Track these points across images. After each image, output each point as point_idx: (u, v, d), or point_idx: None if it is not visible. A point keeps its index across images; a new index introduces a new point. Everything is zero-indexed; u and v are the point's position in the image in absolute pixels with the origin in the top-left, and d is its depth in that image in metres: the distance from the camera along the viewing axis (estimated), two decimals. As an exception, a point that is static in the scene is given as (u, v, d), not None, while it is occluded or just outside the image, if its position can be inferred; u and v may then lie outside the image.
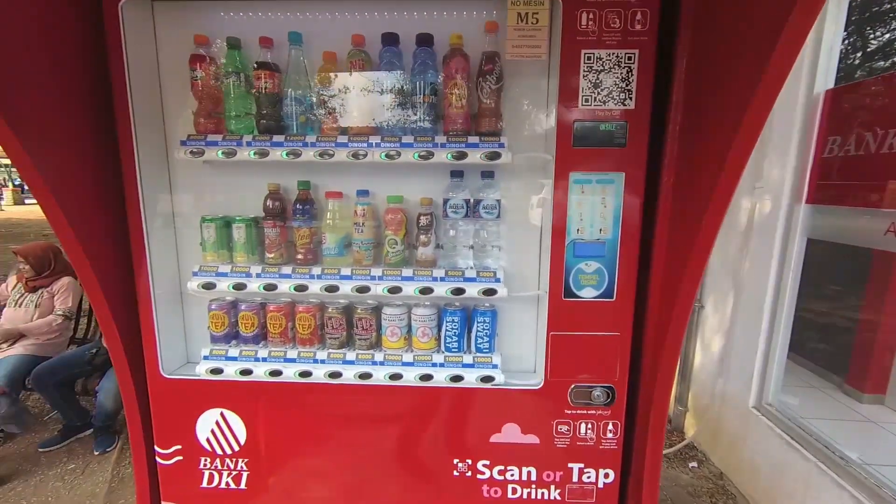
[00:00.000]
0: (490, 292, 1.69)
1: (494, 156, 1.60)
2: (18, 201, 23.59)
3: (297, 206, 1.75)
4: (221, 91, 1.69)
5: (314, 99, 1.69)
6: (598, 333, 1.70)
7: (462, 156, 1.60)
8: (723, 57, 1.34)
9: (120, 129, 1.64)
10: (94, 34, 1.58)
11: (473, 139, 1.62)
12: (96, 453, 3.09)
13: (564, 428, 1.77)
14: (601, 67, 1.52)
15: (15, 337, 3.19)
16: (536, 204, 1.79)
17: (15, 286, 3.37)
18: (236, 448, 1.87)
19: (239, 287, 1.73)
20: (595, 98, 1.54)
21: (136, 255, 1.74)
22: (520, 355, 1.89)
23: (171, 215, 1.86)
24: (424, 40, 1.62)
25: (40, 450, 3.12)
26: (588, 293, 1.67)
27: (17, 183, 25.23)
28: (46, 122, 1.47)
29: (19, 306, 3.27)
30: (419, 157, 1.61)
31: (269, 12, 1.71)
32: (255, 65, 1.65)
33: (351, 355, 1.80)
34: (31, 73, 1.43)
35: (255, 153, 1.64)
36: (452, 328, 1.78)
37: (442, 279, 1.72)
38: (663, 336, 1.59)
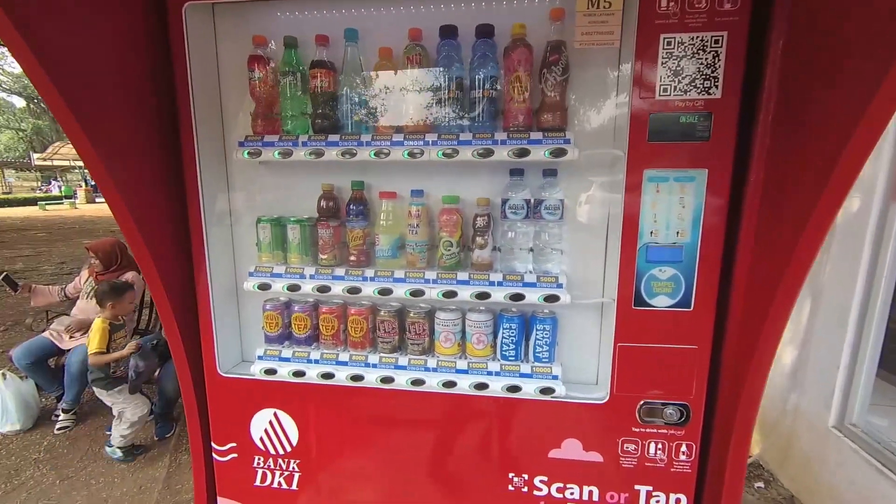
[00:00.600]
0: (552, 299, 1.58)
1: (559, 152, 1.48)
2: (90, 200, 25.69)
3: (351, 206, 1.72)
4: (278, 91, 1.68)
5: (370, 96, 1.65)
6: (673, 346, 1.55)
7: (524, 153, 1.50)
8: (832, 37, 1.17)
9: (182, 132, 1.67)
10: (159, 39, 1.61)
11: (536, 135, 1.52)
12: (156, 439, 3.24)
13: (631, 447, 1.63)
14: (683, 53, 1.37)
15: (87, 327, 3.39)
16: (602, 204, 1.66)
17: (87, 279, 3.59)
18: (289, 449, 1.87)
19: (293, 288, 1.72)
20: (675, 87, 1.39)
21: (196, 253, 1.77)
22: (580, 365, 1.78)
23: (228, 215, 1.89)
24: (484, 32, 1.53)
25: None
26: (661, 301, 1.53)
27: (90, 183, 27.44)
28: (117, 129, 1.50)
29: (91, 298, 3.48)
30: (478, 154, 1.52)
31: (325, 10, 1.68)
32: (311, 63, 1.63)
33: (403, 360, 1.74)
34: (107, 84, 1.47)
35: (310, 153, 1.61)
36: (509, 335, 1.68)
37: (499, 284, 1.63)
38: (750, 351, 1.42)
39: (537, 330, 1.67)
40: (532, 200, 1.62)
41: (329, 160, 1.62)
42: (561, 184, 1.63)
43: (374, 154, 1.58)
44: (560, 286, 1.60)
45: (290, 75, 1.64)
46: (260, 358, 1.83)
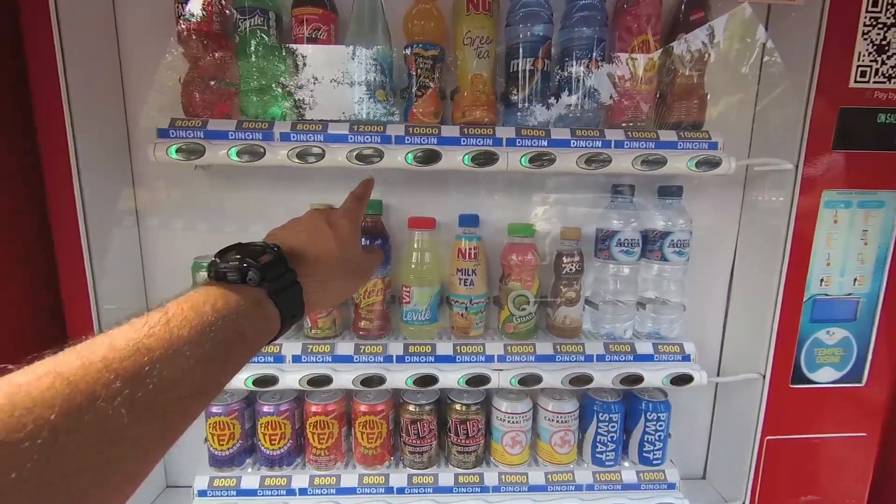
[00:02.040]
0: (681, 381, 1.06)
1: (708, 163, 0.97)
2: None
3: (364, 241, 1.05)
4: (232, 44, 0.97)
5: (399, 62, 1.00)
6: (836, 435, 1.11)
7: (656, 162, 0.96)
8: None
9: (39, 117, 0.89)
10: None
11: (667, 135, 0.99)
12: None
13: (780, 577, 1.17)
14: (894, 19, 0.92)
15: None
16: (727, 237, 1.18)
17: None
18: None
19: (265, 382, 1.02)
20: (877, 70, 0.94)
21: (72, 325, 0.98)
22: (676, 454, 1.27)
23: (137, 256, 1.11)
24: (590, -31, 0.97)
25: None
26: (825, 375, 1.08)
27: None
28: None
29: None
30: (587, 162, 0.95)
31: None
32: (296, -1, 0.95)
33: (446, 478, 1.11)
34: None
35: (299, 153, 0.93)
36: (608, 430, 1.13)
37: (600, 358, 1.07)
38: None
39: (647, 420, 1.14)
40: (654, 232, 1.08)
41: (329, 166, 0.94)
42: (685, 207, 1.11)
43: (415, 158, 0.94)
44: (688, 358, 1.09)
45: (256, 16, 0.94)
46: (202, 494, 1.08)
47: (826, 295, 1.05)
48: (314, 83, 0.99)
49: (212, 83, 0.96)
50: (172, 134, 0.93)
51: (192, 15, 0.92)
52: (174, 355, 0.37)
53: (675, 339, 1.12)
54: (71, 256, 0.95)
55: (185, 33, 0.93)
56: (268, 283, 0.49)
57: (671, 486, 1.14)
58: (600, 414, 1.13)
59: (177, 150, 0.91)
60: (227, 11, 0.95)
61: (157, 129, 0.93)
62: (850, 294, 1.05)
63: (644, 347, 1.09)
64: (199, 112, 0.96)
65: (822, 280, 1.04)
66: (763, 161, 1.03)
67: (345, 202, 0.70)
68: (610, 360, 1.08)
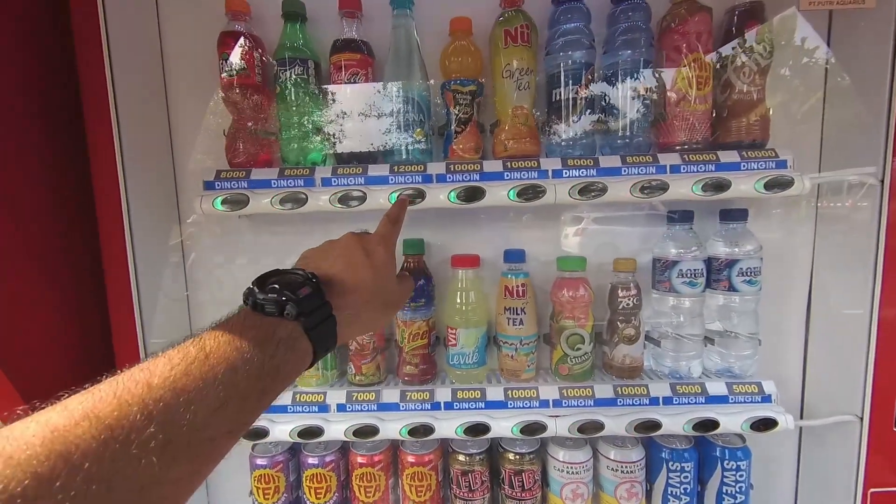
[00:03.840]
0: (765, 425, 0.94)
1: (779, 184, 0.88)
2: None
3: (405, 283, 1.02)
4: (273, 93, 0.98)
5: (435, 100, 0.99)
6: (954, 488, 0.96)
7: (718, 186, 0.88)
8: None
9: (95, 168, 0.93)
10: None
11: (729, 156, 0.91)
12: None
13: None
14: None
15: None
16: (800, 261, 1.07)
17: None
18: None
19: (310, 433, 0.98)
20: (972, 72, 0.84)
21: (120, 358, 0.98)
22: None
23: (184, 305, 1.12)
24: (631, -10, 0.93)
25: None
26: (936, 418, 0.94)
27: None
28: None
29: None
30: (641, 191, 0.89)
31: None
32: (334, 46, 0.95)
33: (501, 535, 1.03)
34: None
35: (340, 198, 0.91)
36: (680, 482, 1.02)
37: (667, 401, 0.98)
38: None
39: (725, 469, 1.02)
40: (719, 260, 0.99)
41: (369, 209, 0.92)
42: (752, 232, 1.02)
43: (458, 196, 0.90)
44: (768, 399, 0.97)
45: (297, 65, 0.95)
46: (247, 551, 1.04)
47: (930, 324, 0.92)
48: (343, 118, 0.98)
49: (254, 132, 0.97)
50: (218, 186, 0.94)
51: (234, 70, 0.94)
52: (209, 395, 0.38)
53: (751, 377, 1.01)
54: (120, 292, 0.96)
55: (226, 86, 0.95)
56: (304, 317, 0.49)
57: (759, 547, 1.01)
58: (670, 463, 1.02)
59: (222, 202, 0.92)
60: (266, 63, 0.97)
61: (204, 182, 0.94)
62: (959, 322, 0.92)
63: (717, 388, 0.98)
64: (242, 161, 0.97)
65: (924, 307, 0.92)
66: (842, 174, 0.93)
67: (380, 226, 0.69)
68: (678, 403, 0.98)
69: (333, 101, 0.98)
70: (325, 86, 0.98)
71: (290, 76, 0.95)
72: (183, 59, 1.04)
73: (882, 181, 0.89)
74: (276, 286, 0.49)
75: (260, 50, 0.96)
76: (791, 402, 1.10)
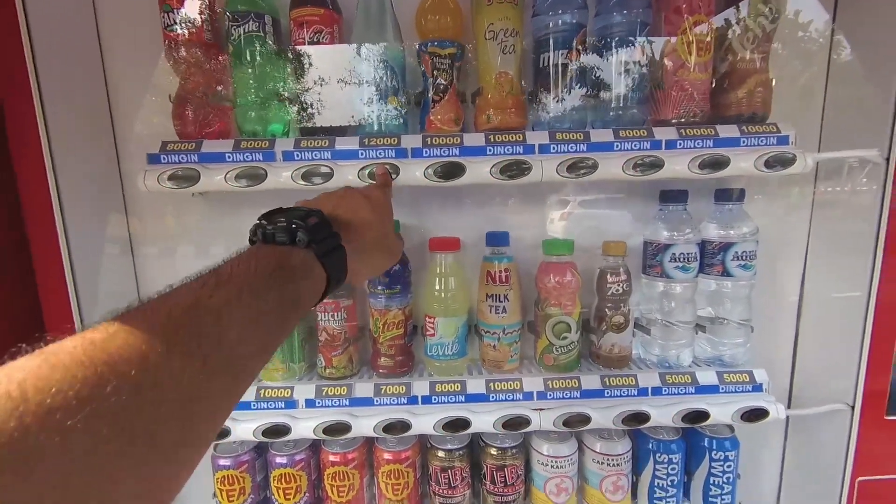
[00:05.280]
0: (755, 416, 0.91)
1: (780, 161, 0.82)
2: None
3: (379, 268, 0.93)
4: (225, 55, 0.86)
5: (410, 65, 0.88)
6: (941, 474, 0.94)
7: (718, 163, 0.82)
8: None
9: (13, 143, 0.80)
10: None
11: (728, 130, 0.84)
12: None
13: None
14: None
15: None
16: (796, 243, 1.03)
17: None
18: None
19: (277, 432, 0.90)
20: None
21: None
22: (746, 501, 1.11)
23: (132, 284, 1.01)
24: (628, -56, 0.84)
25: None
26: (926, 404, 0.92)
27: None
28: None
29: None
30: (635, 168, 0.82)
31: None
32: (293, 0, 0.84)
33: (482, 532, 0.98)
34: None
35: (301, 175, 0.81)
36: (667, 473, 0.98)
37: (656, 391, 0.93)
38: None
39: (713, 460, 0.98)
40: (713, 244, 0.94)
41: (337, 186, 0.82)
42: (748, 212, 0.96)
43: (434, 172, 0.82)
44: (759, 388, 0.93)
45: (251, 20, 0.83)
46: (210, 555, 0.97)
47: (927, 310, 0.89)
48: (321, 85, 0.88)
49: (205, 98, 0.85)
50: (164, 159, 0.83)
51: (181, 24, 0.81)
52: (237, 314, 0.38)
53: (742, 366, 0.97)
54: (55, 288, 0.85)
55: (174, 44, 0.83)
56: (315, 244, 0.49)
57: (745, 537, 0.98)
58: (657, 454, 0.98)
59: (169, 178, 0.81)
60: (217, 18, 0.85)
61: (147, 155, 0.83)
62: (954, 308, 0.89)
63: (707, 377, 0.94)
64: (193, 133, 0.85)
65: (922, 292, 0.88)
66: (847, 154, 0.87)
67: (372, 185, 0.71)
68: (668, 394, 0.93)
69: (296, 63, 0.87)
70: (287, 46, 0.87)
71: (244, 32, 0.83)
72: (120, 15, 0.91)
73: (888, 159, 0.83)
74: (284, 219, 0.50)
75: (208, 3, 0.84)
76: (779, 390, 1.07)
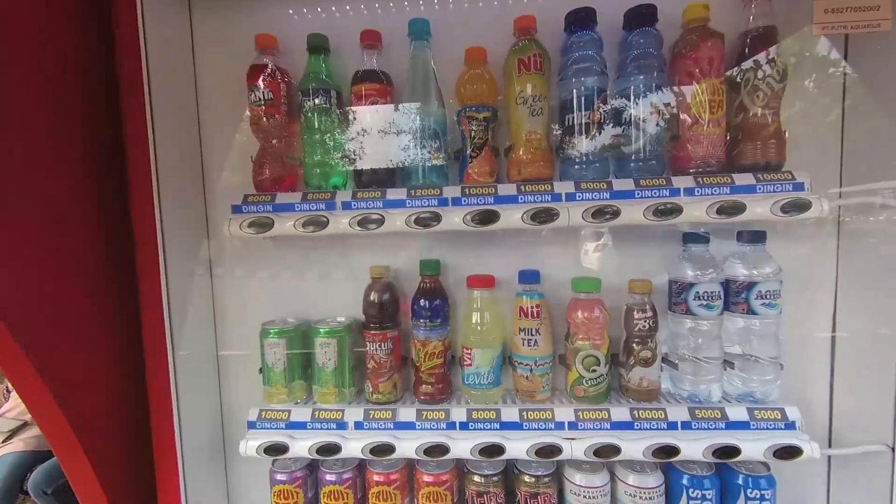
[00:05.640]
0: (789, 453, 0.92)
1: (796, 207, 0.88)
2: None
3: (422, 302, 1.04)
4: (297, 123, 1.03)
5: (451, 126, 1.02)
6: None
7: (733, 209, 0.88)
8: None
9: (133, 190, 0.99)
10: (93, 33, 0.96)
11: (744, 178, 0.91)
12: None
13: None
14: None
15: (14, 429, 2.51)
16: (823, 281, 1.05)
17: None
18: None
19: (328, 450, 1.00)
20: None
21: (154, 394, 1.03)
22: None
23: (210, 324, 1.17)
24: (642, 17, 0.95)
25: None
26: (976, 449, 0.90)
27: None
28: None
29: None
30: (655, 214, 0.90)
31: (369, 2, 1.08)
32: (355, 76, 1.00)
33: (517, 559, 1.02)
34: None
35: (360, 221, 0.95)
36: (701, 510, 1.00)
37: (686, 426, 0.96)
38: None
39: (748, 498, 0.99)
40: (738, 282, 0.98)
41: (388, 231, 0.95)
42: (770, 253, 1.01)
43: (472, 220, 0.93)
44: (792, 426, 0.95)
45: (320, 96, 1.00)
46: (265, 566, 1.06)
47: (964, 350, 0.89)
48: (364, 136, 1.02)
49: (279, 157, 1.02)
50: (245, 209, 0.99)
51: (261, 99, 0.99)
52: None
53: (773, 402, 0.98)
54: (153, 302, 1.00)
55: (254, 115, 1.01)
56: None
57: (787, 582, 0.97)
58: (690, 490, 1.00)
59: (249, 225, 0.97)
60: (291, 93, 1.02)
61: (232, 206, 1.00)
62: None
63: (737, 413, 0.96)
64: (267, 186, 1.02)
65: (956, 333, 0.89)
66: (866, 188, 0.92)
67: None
68: (697, 428, 0.96)
69: (354, 120, 1.02)
70: (347, 108, 1.03)
71: (314, 105, 1.00)
72: (215, 91, 1.11)
73: (906, 203, 0.87)
74: None
75: (286, 81, 1.02)
76: (818, 429, 1.07)
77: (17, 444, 2.51)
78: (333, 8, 1.09)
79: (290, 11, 1.12)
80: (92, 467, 0.95)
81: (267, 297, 1.16)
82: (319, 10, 1.09)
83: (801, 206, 0.87)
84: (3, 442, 2.55)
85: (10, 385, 2.78)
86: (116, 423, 1.04)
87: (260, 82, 1.00)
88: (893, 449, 0.91)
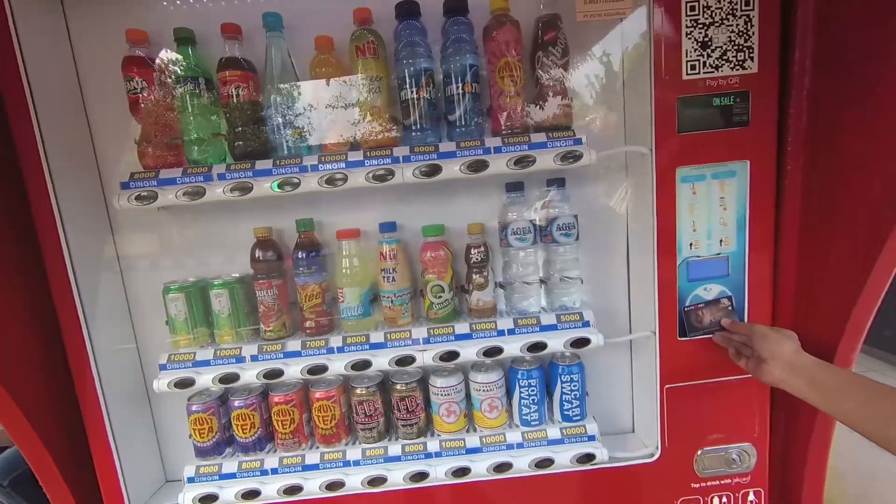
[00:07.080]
0: (580, 343, 1.23)
1: (572, 157, 1.15)
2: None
3: (299, 254, 1.26)
4: (173, 106, 1.19)
5: (308, 105, 1.21)
6: (728, 378, 1.27)
7: (527, 161, 1.15)
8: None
9: (29, 180, 1.12)
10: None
11: (538, 137, 1.17)
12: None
13: (694, 509, 1.32)
14: (710, 20, 1.10)
15: None
16: (617, 217, 1.35)
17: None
18: None
19: (229, 379, 1.22)
20: (704, 62, 1.12)
21: (72, 353, 1.21)
22: (609, 410, 1.45)
23: (120, 289, 1.34)
24: (456, 7, 1.17)
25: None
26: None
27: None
28: None
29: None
30: (468, 169, 1.14)
31: (229, -8, 1.22)
32: (220, 63, 1.16)
33: (395, 448, 1.30)
34: None
35: (232, 189, 1.14)
36: (529, 394, 1.31)
37: (511, 332, 1.25)
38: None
39: (563, 382, 1.31)
40: (541, 220, 1.26)
41: (261, 196, 1.15)
42: (571, 195, 1.29)
43: (326, 182, 1.14)
44: (587, 324, 1.26)
45: (190, 82, 1.16)
46: (190, 480, 1.29)
47: (698, 256, 1.21)
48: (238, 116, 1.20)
49: (160, 139, 1.18)
50: (133, 185, 1.16)
51: (137, 88, 1.14)
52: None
53: (578, 309, 1.29)
54: (62, 291, 1.17)
55: (133, 103, 1.16)
56: None
57: (591, 438, 1.30)
58: (521, 380, 1.31)
59: (136, 198, 1.14)
60: (166, 80, 1.17)
61: (120, 183, 1.16)
62: (718, 254, 1.22)
63: (548, 319, 1.26)
64: (151, 164, 1.18)
65: (691, 244, 1.20)
66: (619, 150, 1.21)
67: None
68: (520, 333, 1.25)
69: (229, 106, 1.18)
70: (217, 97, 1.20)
71: (187, 90, 1.16)
72: (100, 83, 1.24)
73: (651, 150, 1.16)
74: None
75: (160, 70, 1.17)
76: (623, 326, 1.40)
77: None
78: (205, 1, 1.23)
79: (165, 3, 1.25)
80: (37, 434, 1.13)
81: (167, 264, 1.34)
82: (193, 1, 1.23)
83: (575, 157, 1.14)
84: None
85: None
86: (49, 391, 1.21)
87: (134, 72, 1.15)
88: (655, 333, 1.24)
